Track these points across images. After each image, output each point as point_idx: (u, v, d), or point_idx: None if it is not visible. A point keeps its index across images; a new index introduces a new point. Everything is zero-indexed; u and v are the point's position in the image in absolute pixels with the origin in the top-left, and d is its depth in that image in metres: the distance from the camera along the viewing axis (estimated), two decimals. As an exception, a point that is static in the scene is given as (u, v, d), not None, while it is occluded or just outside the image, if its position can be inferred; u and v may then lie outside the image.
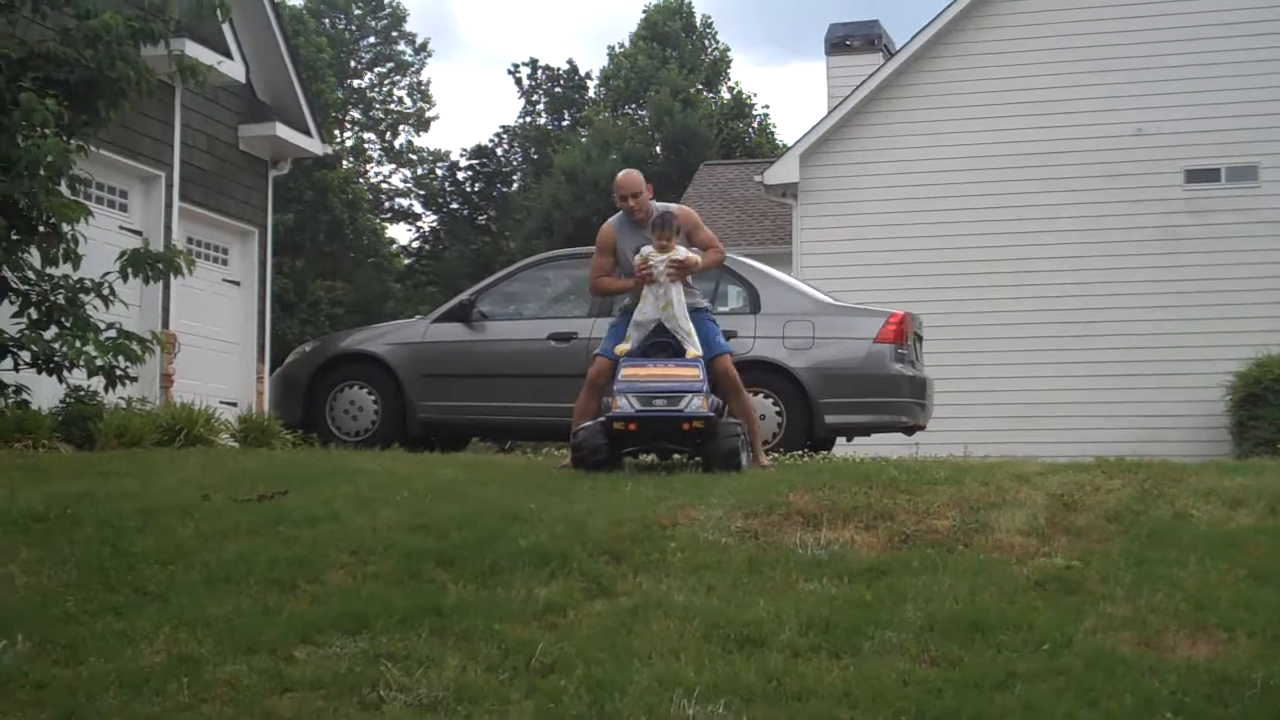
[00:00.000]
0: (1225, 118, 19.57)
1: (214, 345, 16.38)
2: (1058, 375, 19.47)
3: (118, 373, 10.85)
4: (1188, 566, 6.29)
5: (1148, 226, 19.70)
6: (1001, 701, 4.93)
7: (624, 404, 8.97)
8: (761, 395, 11.02)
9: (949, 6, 20.78)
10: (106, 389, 11.01)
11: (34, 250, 10.70)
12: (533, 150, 54.48)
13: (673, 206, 9.81)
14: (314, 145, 18.21)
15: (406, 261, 53.23)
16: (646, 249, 9.42)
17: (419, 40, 54.50)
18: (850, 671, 5.21)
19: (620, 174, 9.84)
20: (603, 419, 9.07)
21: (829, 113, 21.69)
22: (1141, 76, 19.87)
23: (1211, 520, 7.15)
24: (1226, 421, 18.09)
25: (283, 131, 17.27)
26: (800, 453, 10.64)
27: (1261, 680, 5.04)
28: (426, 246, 54.48)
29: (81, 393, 11.35)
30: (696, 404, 8.94)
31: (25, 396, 10.86)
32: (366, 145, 54.01)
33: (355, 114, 52.96)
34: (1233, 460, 11.83)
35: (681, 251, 9.42)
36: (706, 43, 52.72)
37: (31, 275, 10.79)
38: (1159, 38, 19.87)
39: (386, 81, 54.18)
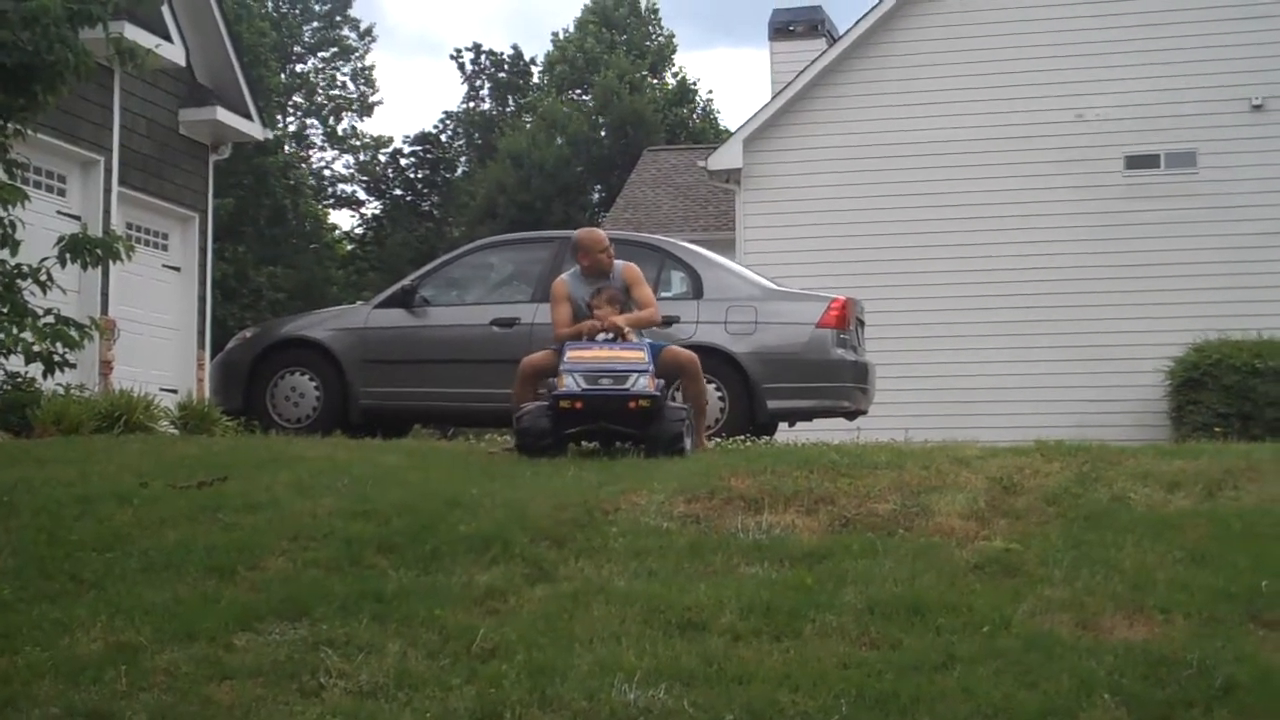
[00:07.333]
0: (1165, 104, 19.76)
1: (154, 331, 16.25)
2: (998, 360, 19.61)
3: (56, 359, 10.72)
4: (1125, 549, 6.33)
5: (1088, 212, 19.85)
6: (940, 683, 4.95)
7: (570, 383, 8.97)
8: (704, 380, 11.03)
9: (891, -8, 20.87)
10: (45, 375, 10.88)
11: (-32, 235, 10.56)
12: (476, 136, 54.19)
13: (619, 265, 9.90)
14: (255, 129, 18.07)
15: (349, 247, 52.91)
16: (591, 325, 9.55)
17: (363, 26, 54.18)
18: (791, 655, 5.22)
19: (583, 231, 9.90)
20: (548, 398, 9.07)
21: (772, 98, 21.74)
22: (1083, 63, 20.03)
23: (1149, 503, 7.21)
24: (1165, 406, 18.27)
25: (223, 115, 17.12)
26: (742, 438, 10.66)
27: (1198, 661, 5.07)
28: (370, 232, 54.14)
29: (19, 379, 11.23)
30: (642, 383, 8.96)
31: (-39, 383, 10.75)
32: (309, 130, 53.63)
33: (298, 99, 52.55)
34: (1170, 444, 11.92)
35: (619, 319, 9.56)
36: (651, 29, 52.63)
37: (-34, 261, 10.65)
38: (1101, 24, 20.02)
39: (330, 67, 53.80)
